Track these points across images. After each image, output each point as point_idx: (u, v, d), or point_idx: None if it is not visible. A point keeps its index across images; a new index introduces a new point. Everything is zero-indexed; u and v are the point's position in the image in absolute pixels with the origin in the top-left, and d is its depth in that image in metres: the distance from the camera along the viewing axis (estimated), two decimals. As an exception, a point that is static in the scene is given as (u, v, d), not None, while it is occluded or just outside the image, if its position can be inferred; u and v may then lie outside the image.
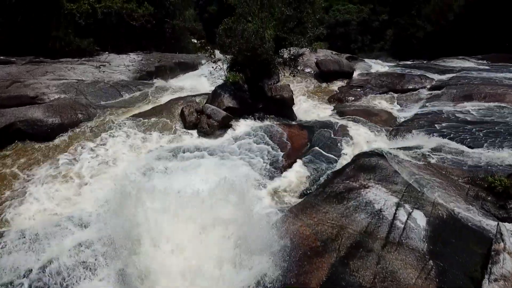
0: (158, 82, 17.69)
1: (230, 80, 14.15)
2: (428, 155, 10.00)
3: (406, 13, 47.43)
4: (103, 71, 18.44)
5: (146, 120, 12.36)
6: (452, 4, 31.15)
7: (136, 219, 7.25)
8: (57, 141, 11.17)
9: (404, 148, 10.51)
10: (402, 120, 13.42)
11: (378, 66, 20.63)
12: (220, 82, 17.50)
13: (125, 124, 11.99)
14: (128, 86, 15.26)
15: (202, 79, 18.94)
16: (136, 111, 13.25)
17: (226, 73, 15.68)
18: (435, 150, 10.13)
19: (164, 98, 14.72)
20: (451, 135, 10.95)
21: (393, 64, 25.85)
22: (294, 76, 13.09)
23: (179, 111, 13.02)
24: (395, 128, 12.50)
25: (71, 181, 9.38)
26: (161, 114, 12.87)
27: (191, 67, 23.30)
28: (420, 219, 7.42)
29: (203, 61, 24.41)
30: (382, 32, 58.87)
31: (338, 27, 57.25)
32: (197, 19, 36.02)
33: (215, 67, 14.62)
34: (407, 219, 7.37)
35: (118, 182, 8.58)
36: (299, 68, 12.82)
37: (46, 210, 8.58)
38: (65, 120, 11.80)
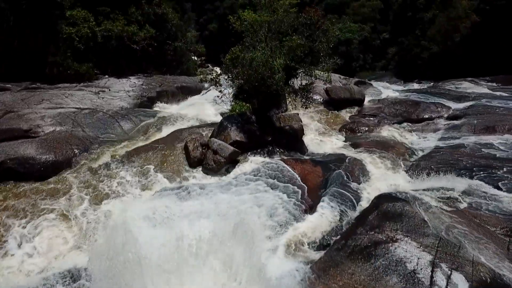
0: (160, 110, 16.90)
1: (237, 111, 13.35)
2: (458, 199, 9.10)
3: (409, 33, 47.27)
4: (102, 98, 17.67)
5: (146, 155, 11.47)
6: (458, 25, 30.67)
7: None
8: (51, 180, 10.26)
9: (429, 190, 9.61)
10: (421, 154, 12.55)
11: (388, 91, 19.87)
12: (225, 109, 16.77)
13: (124, 161, 11.10)
14: (128, 116, 14.42)
15: (206, 106, 18.13)
16: (136, 145, 12.37)
17: (231, 101, 14.93)
18: (465, 193, 9.22)
19: (166, 129, 13.86)
20: (481, 174, 10.05)
21: (401, 87, 25.17)
22: (306, 108, 12.29)
23: (183, 145, 12.14)
24: (415, 164, 11.61)
25: (63, 231, 8.44)
26: (163, 148, 11.99)
27: (194, 91, 22.59)
28: (461, 284, 6.49)
29: (206, 85, 23.69)
30: (384, 50, 58.69)
31: (340, 45, 56.95)
32: (199, 40, 35.49)
33: (220, 96, 13.82)
34: (447, 284, 6.45)
35: (114, 234, 7.64)
36: (311, 100, 11.99)
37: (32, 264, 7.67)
38: (60, 157, 10.92)
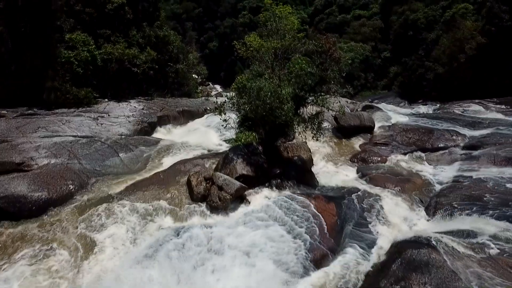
0: (161, 137, 16.18)
1: (243, 141, 12.65)
2: (487, 244, 8.30)
3: (411, 52, 47.05)
4: (101, 124, 16.98)
5: (146, 191, 10.68)
6: (463, 46, 30.28)
7: None
8: (45, 219, 9.47)
9: (454, 233, 8.82)
10: (439, 187, 11.77)
11: (398, 116, 19.21)
12: (229, 135, 16.06)
13: (122, 198, 10.30)
14: (127, 146, 13.68)
15: (209, 132, 17.44)
16: (136, 179, 11.61)
17: (236, 128, 14.24)
18: (494, 237, 8.42)
19: (168, 160, 13.13)
20: (508, 213, 9.27)
21: (409, 110, 24.55)
22: (317, 140, 11.59)
23: (185, 179, 11.37)
24: (434, 200, 10.82)
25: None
26: (164, 183, 11.22)
27: (196, 115, 21.93)
28: None
29: (208, 108, 23.10)
30: (385, 69, 58.52)
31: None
32: (201, 61, 35.10)
33: (225, 126, 13.12)
34: None
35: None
36: (322, 132, 11.30)
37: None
38: (53, 194, 10.13)
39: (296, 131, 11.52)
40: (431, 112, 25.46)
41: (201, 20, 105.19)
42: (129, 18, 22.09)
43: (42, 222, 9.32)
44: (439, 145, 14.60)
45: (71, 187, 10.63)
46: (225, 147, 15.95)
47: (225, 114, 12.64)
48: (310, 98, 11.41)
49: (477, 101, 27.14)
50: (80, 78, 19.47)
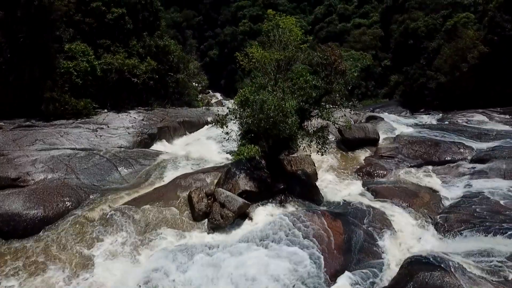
0: (161, 149, 15.81)
1: (245, 154, 12.30)
2: (503, 266, 7.92)
3: (412, 61, 46.89)
4: (100, 136, 16.63)
5: (146, 208, 10.32)
6: (466, 55, 30.03)
7: None
8: (40, 238, 9.10)
9: (467, 254, 8.44)
10: (448, 203, 11.42)
11: (402, 127, 18.88)
12: (230, 147, 15.72)
13: (121, 214, 9.94)
14: (127, 160, 13.32)
15: (210, 144, 17.11)
16: (136, 195, 11.25)
17: (238, 141, 13.91)
18: (510, 259, 8.05)
19: (169, 175, 12.76)
20: (522, 232, 8.90)
21: (412, 120, 24.22)
22: (322, 154, 11.24)
23: (186, 195, 11.03)
24: (444, 217, 10.46)
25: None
26: (164, 198, 10.87)
27: (197, 125, 21.63)
28: None
29: (209, 119, 22.80)
30: (386, 78, 58.36)
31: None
32: (201, 70, 34.88)
33: (226, 138, 12.79)
34: None
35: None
36: (327, 147, 10.95)
37: None
38: (50, 212, 9.78)
39: (301, 145, 11.16)
40: (435, 122, 25.14)
41: (201, 28, 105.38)
42: (129, 28, 21.88)
43: (37, 242, 8.94)
44: (446, 158, 14.24)
45: (68, 204, 10.26)
46: (226, 159, 15.61)
47: (227, 126, 12.32)
48: (315, 111, 11.08)
49: (480, 111, 26.83)
50: (79, 89, 19.18)
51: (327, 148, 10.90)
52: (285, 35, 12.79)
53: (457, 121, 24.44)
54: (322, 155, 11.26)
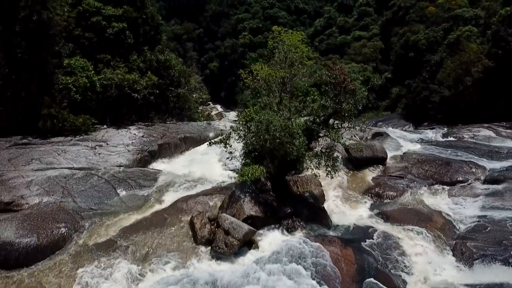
0: (162, 168, 15.26)
1: (249, 175, 11.76)
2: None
3: (413, 73, 46.68)
4: (99, 154, 16.12)
5: (146, 233, 9.81)
6: (470, 69, 29.73)
7: None
8: (32, 269, 8.54)
9: None
10: (463, 228, 10.87)
11: (408, 144, 18.39)
12: (233, 166, 15.18)
13: (119, 242, 9.40)
14: (126, 181, 12.79)
15: (212, 162, 16.57)
16: (134, 219, 10.70)
17: (241, 160, 13.40)
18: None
19: (169, 197, 12.22)
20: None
21: (417, 135, 23.76)
22: (331, 178, 10.73)
23: (188, 219, 10.50)
24: (461, 243, 9.91)
25: None
26: (165, 224, 10.33)
27: (198, 141, 21.11)
28: None
29: (210, 134, 22.34)
30: (387, 90, 58.13)
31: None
32: (202, 84, 34.55)
33: (230, 158, 12.32)
34: None
35: None
36: (337, 169, 10.43)
37: None
38: (44, 240, 9.22)
39: (309, 167, 10.64)
40: (440, 137, 24.72)
41: (201, 40, 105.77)
42: (130, 43, 21.53)
43: (29, 274, 8.38)
44: (458, 179, 13.71)
45: (64, 230, 9.71)
46: (229, 178, 15.07)
47: (230, 146, 11.84)
48: (323, 131, 10.60)
49: (486, 125, 26.41)
50: (78, 105, 18.72)
51: (336, 171, 10.38)
52: (290, 52, 12.42)
53: (463, 136, 23.99)
54: (332, 178, 10.73)
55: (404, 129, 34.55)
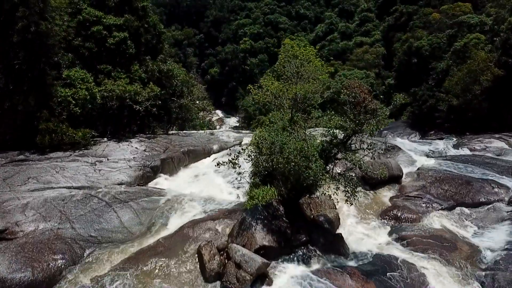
0: (165, 190, 14.38)
1: (260, 199, 11.02)
2: None
3: (418, 79, 46.02)
4: (99, 170, 15.38)
5: (149, 265, 9.05)
6: (478, 77, 29.03)
7: None
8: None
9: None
10: (491, 256, 10.10)
11: (422, 159, 17.60)
12: (238, 183, 14.42)
13: (121, 276, 8.62)
14: (127, 203, 12.01)
15: (217, 178, 15.82)
16: (137, 248, 9.96)
17: (250, 180, 12.67)
18: None
19: (174, 220, 11.47)
20: None
21: (427, 146, 22.98)
22: (351, 204, 9.97)
23: (195, 248, 9.73)
24: (490, 275, 9.14)
25: None
26: (170, 253, 9.57)
27: (202, 154, 20.38)
28: None
29: (214, 147, 21.61)
30: (390, 97, 57.49)
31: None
32: (207, 95, 33.88)
33: (239, 179, 11.59)
34: None
35: None
36: (357, 195, 9.63)
37: None
38: (39, 274, 8.48)
39: (327, 192, 9.87)
40: (451, 148, 23.94)
41: (202, 46, 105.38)
42: (131, 53, 20.81)
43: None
44: (481, 200, 12.94)
45: (61, 262, 8.97)
46: (236, 197, 14.33)
47: (239, 167, 11.09)
48: (341, 154, 9.85)
49: (497, 136, 25.68)
50: (77, 117, 17.99)
51: (357, 197, 9.61)
52: (303, 66, 11.71)
53: (474, 147, 23.26)
54: (351, 204, 9.96)
55: (410, 137, 33.85)
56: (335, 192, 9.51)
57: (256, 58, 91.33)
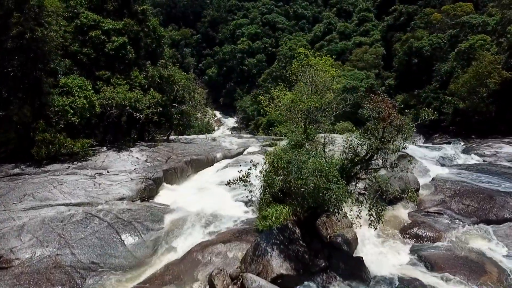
0: (169, 206, 13.58)
1: (273, 219, 10.29)
2: None
3: (419, 81, 45.47)
4: (99, 184, 14.61)
5: (158, 298, 8.28)
6: (485, 80, 28.43)
7: None
8: None
9: None
10: (524, 280, 9.40)
11: (435, 168, 16.91)
12: (245, 195, 13.65)
13: (128, 312, 7.88)
14: (131, 224, 11.21)
15: (223, 191, 15.01)
16: (143, 276, 9.23)
17: (260, 196, 11.89)
18: None
19: (182, 243, 10.72)
20: None
21: (436, 152, 22.32)
22: (375, 229, 9.23)
23: (205, 274, 9.00)
24: (526, 303, 8.44)
25: None
26: (179, 282, 8.83)
27: (205, 163, 19.64)
28: None
29: (218, 155, 20.87)
30: (390, 97, 56.86)
31: (346, 93, 55.36)
32: (209, 100, 33.06)
33: (250, 197, 10.87)
34: None
35: None
36: (382, 219, 8.87)
37: None
38: (36, 313, 7.70)
39: (349, 215, 9.15)
40: (460, 153, 23.35)
41: (199, 46, 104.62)
42: (131, 58, 19.99)
43: None
44: (505, 216, 12.26)
45: (60, 296, 8.19)
46: (244, 212, 13.56)
47: (251, 185, 10.35)
48: (362, 174, 9.13)
49: (506, 140, 25.14)
50: (75, 127, 17.21)
51: (382, 220, 8.89)
52: (317, 76, 10.99)
53: (484, 153, 22.69)
54: (376, 229, 9.23)
55: (415, 141, 33.22)
56: (358, 215, 8.79)
57: (254, 59, 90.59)
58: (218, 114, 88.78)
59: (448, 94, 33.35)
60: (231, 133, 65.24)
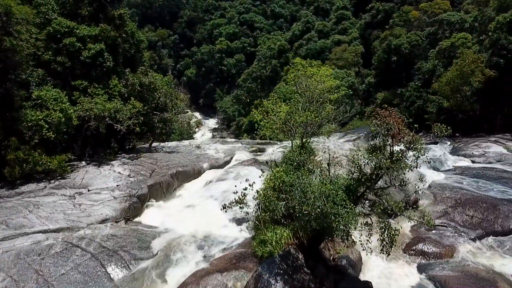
0: (157, 229, 12.63)
1: (274, 244, 9.54)
2: None
3: (398, 78, 45.63)
4: (79, 205, 13.57)
5: None
6: (469, 78, 28.42)
7: None
8: None
9: None
10: (538, 299, 8.96)
11: (430, 173, 16.50)
12: (237, 212, 12.85)
13: None
14: (117, 254, 10.24)
15: (213, 208, 14.16)
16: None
17: (255, 214, 11.12)
18: None
19: (174, 273, 9.82)
20: None
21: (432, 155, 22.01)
22: (388, 255, 8.59)
23: (204, 313, 8.16)
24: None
25: None
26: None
27: (192, 175, 18.71)
28: None
29: (205, 166, 19.94)
30: (371, 95, 57.01)
31: (327, 93, 55.13)
32: (193, 106, 32.05)
33: (247, 219, 10.09)
34: None
35: None
36: (395, 244, 8.25)
37: None
38: None
39: (358, 240, 8.47)
40: (448, 154, 23.18)
41: (177, 47, 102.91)
42: (109, 66, 18.85)
43: None
44: (511, 226, 11.88)
45: None
46: (239, 231, 12.72)
47: (248, 207, 9.58)
48: (369, 194, 8.48)
49: (493, 139, 25.20)
50: (51, 142, 16.01)
51: (394, 245, 8.26)
52: (313, 86, 10.29)
53: (472, 153, 22.60)
54: (389, 254, 8.58)
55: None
56: (368, 240, 8.13)
57: (233, 58, 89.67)
58: (198, 115, 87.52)
59: (431, 92, 33.34)
60: (213, 135, 64.01)
